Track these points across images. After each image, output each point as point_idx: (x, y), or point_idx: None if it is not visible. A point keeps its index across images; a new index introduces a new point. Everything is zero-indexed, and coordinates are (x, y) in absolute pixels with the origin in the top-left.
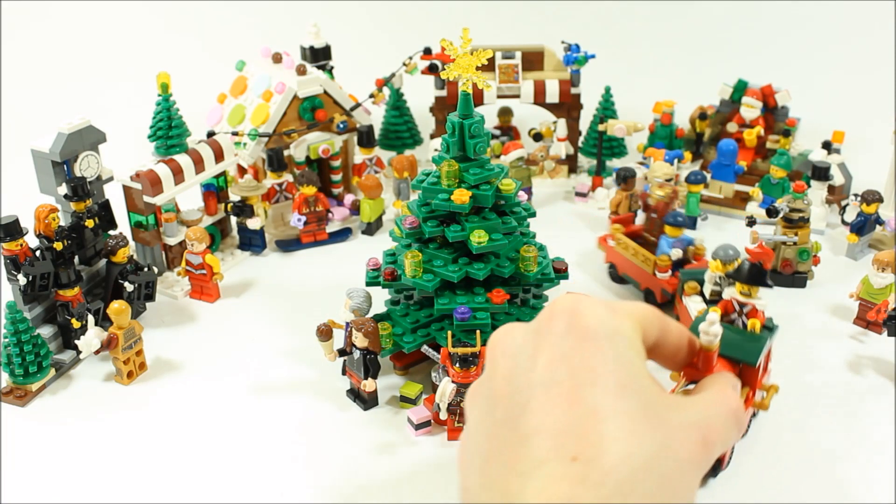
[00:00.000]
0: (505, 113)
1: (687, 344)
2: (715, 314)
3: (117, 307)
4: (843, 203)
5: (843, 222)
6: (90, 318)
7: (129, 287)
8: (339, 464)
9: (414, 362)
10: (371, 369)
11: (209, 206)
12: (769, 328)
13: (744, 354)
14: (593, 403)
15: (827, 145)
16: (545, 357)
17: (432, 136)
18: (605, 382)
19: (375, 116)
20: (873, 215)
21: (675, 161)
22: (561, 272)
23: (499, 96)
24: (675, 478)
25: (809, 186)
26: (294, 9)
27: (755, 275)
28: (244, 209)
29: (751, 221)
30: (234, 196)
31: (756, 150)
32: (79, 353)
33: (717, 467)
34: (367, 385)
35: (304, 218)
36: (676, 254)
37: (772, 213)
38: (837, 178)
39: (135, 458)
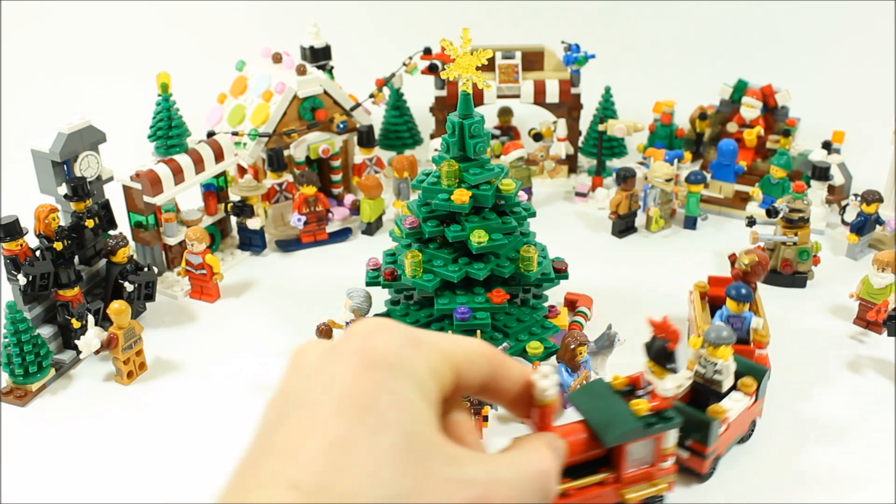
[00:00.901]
0: (505, 113)
1: (527, 390)
2: (549, 367)
3: (117, 307)
4: (843, 203)
5: (843, 222)
6: (90, 318)
7: (129, 287)
8: None
9: None
10: None
11: (209, 206)
12: (666, 418)
13: (602, 430)
14: (346, 435)
15: (827, 145)
16: (323, 377)
17: (432, 136)
18: (369, 416)
19: (375, 116)
20: (873, 215)
21: (675, 161)
22: (561, 272)
23: (499, 96)
24: None
25: (809, 186)
26: (294, 9)
27: (658, 354)
28: (244, 209)
29: (751, 221)
30: (234, 196)
31: (756, 150)
32: (79, 353)
33: None
34: None
35: (304, 218)
36: None
37: (772, 213)
38: (837, 178)
39: (135, 457)
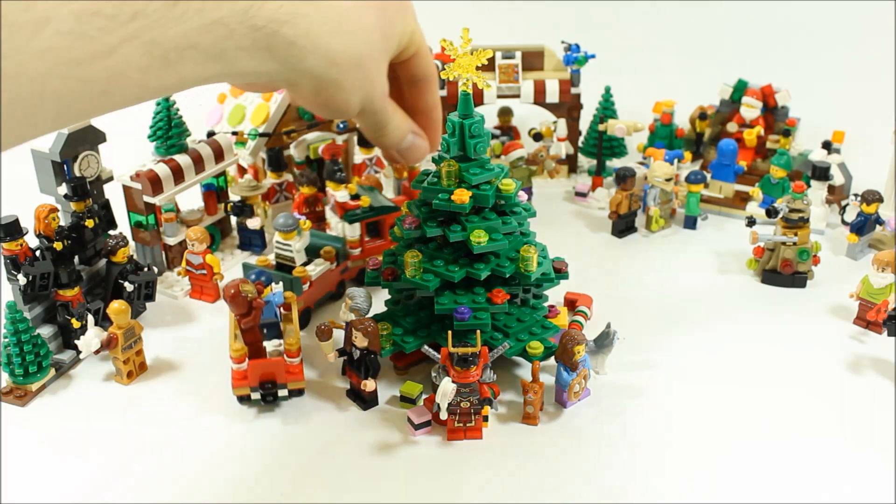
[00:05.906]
0: (505, 113)
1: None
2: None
3: (117, 307)
4: (843, 203)
5: (843, 222)
6: (90, 318)
7: (129, 287)
8: (339, 463)
9: (414, 362)
10: (371, 369)
11: (209, 206)
12: None
13: None
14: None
15: (827, 145)
16: None
17: None
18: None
19: None
20: (873, 215)
21: (675, 161)
22: (561, 272)
23: (499, 96)
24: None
25: (809, 186)
26: None
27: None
28: (244, 209)
29: (751, 221)
30: (234, 196)
31: (756, 150)
32: (79, 353)
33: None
34: (367, 385)
35: (303, 218)
36: None
37: (772, 213)
38: (837, 178)
39: (134, 458)
